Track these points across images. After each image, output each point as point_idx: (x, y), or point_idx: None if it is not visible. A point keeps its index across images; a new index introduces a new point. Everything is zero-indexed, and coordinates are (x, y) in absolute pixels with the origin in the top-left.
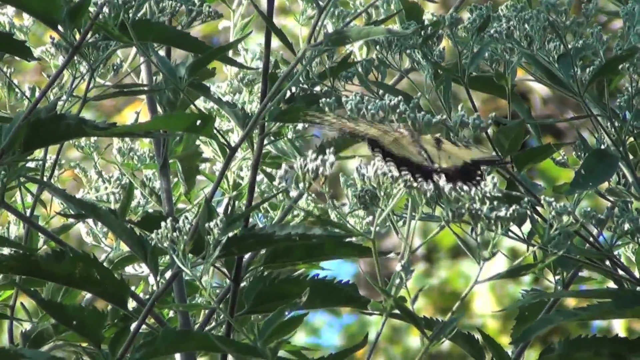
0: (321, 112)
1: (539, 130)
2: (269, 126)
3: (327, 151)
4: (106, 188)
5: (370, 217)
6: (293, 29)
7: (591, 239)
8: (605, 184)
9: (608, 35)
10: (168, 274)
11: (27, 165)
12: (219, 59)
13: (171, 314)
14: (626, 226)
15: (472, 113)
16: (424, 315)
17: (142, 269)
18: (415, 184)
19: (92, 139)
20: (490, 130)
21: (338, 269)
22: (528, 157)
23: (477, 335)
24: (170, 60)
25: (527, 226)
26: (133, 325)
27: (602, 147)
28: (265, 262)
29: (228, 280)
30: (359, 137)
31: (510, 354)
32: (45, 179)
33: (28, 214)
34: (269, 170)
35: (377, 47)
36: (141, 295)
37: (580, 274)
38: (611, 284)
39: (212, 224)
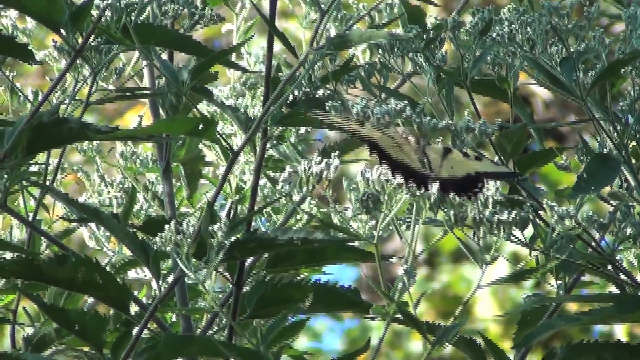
0: (326, 112)
1: (541, 134)
2: (272, 130)
3: (332, 155)
4: (109, 192)
5: (373, 222)
6: (295, 32)
7: (593, 243)
8: (608, 188)
9: (610, 38)
10: (170, 279)
11: (30, 169)
12: (221, 62)
13: (173, 318)
14: (628, 230)
15: (475, 117)
16: (426, 320)
17: (145, 273)
18: (407, 189)
19: (95, 142)
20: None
21: (340, 274)
22: (530, 161)
23: (479, 340)
24: (173, 64)
25: (529, 230)
26: (135, 330)
27: (605, 151)
28: (267, 267)
29: (230, 285)
30: (361, 138)
31: (512, 358)
32: (47, 182)
33: (30, 218)
34: (271, 174)
35: (380, 50)
36: (144, 299)
37: (582, 278)
38: (613, 289)
39: (215, 227)
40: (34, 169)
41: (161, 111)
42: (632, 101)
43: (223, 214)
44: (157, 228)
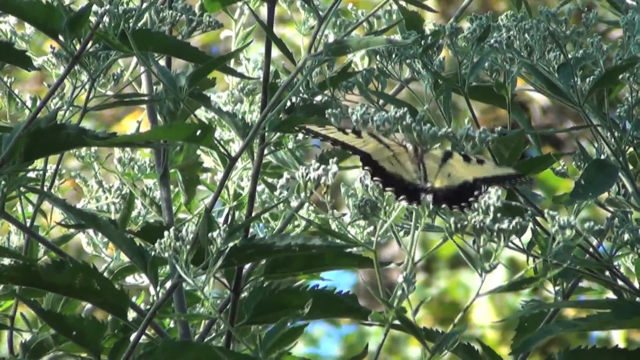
0: (319, 124)
1: (539, 140)
2: (269, 136)
3: (330, 161)
4: (106, 198)
5: (371, 227)
6: (293, 39)
7: (591, 249)
8: (605, 194)
9: (608, 44)
10: (168, 285)
11: (28, 175)
12: (219, 69)
13: (171, 324)
14: (626, 237)
15: (473, 124)
16: (424, 326)
17: (143, 279)
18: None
19: (93, 148)
20: None
21: (337, 279)
22: (528, 167)
23: (477, 346)
24: (171, 70)
25: (526, 236)
26: (133, 336)
27: (602, 157)
28: (265, 273)
29: (228, 291)
30: (353, 151)
31: None
32: (45, 188)
33: (28, 224)
34: (269, 180)
35: (378, 57)
36: (141, 305)
37: (579, 284)
38: (611, 295)
39: (214, 234)
40: (31, 175)
41: (159, 117)
42: (630, 107)
43: (221, 220)
44: (154, 234)
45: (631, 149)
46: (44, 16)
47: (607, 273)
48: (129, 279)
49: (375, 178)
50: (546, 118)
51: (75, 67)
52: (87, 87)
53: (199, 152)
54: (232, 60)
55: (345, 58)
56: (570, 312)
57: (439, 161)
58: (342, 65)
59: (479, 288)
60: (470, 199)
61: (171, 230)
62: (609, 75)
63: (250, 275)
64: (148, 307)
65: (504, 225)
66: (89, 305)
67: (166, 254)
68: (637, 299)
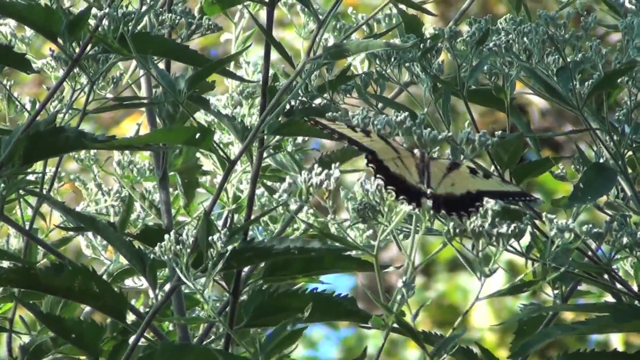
0: (329, 120)
1: (537, 144)
2: (269, 139)
3: (333, 166)
4: (106, 201)
5: (371, 231)
6: (292, 42)
7: (590, 252)
8: (604, 198)
9: (607, 48)
10: (167, 287)
11: (27, 177)
12: (218, 72)
13: (170, 327)
14: (625, 240)
15: (471, 127)
16: (423, 329)
17: (142, 282)
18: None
19: (92, 151)
20: None
21: (336, 282)
22: (527, 170)
23: (476, 349)
24: (170, 73)
25: (525, 239)
26: (132, 339)
27: (601, 160)
28: (264, 276)
29: (227, 294)
30: (360, 148)
31: None
32: (44, 191)
33: (27, 226)
34: (268, 183)
35: (377, 60)
36: (140, 308)
37: (578, 287)
38: (609, 298)
39: (215, 237)
40: (31, 177)
41: (158, 120)
42: (629, 111)
43: (220, 223)
44: (154, 237)
45: (630, 153)
46: (43, 19)
47: (606, 276)
48: (128, 282)
49: (378, 176)
50: (545, 121)
51: (75, 70)
52: (86, 90)
53: (198, 155)
54: (232, 64)
55: (344, 61)
56: (569, 316)
57: (444, 170)
58: (342, 69)
59: (479, 292)
60: (470, 209)
61: (171, 233)
62: (608, 79)
63: (250, 278)
64: (147, 309)
65: (503, 229)
66: (87, 308)
67: (166, 258)
68: (636, 302)
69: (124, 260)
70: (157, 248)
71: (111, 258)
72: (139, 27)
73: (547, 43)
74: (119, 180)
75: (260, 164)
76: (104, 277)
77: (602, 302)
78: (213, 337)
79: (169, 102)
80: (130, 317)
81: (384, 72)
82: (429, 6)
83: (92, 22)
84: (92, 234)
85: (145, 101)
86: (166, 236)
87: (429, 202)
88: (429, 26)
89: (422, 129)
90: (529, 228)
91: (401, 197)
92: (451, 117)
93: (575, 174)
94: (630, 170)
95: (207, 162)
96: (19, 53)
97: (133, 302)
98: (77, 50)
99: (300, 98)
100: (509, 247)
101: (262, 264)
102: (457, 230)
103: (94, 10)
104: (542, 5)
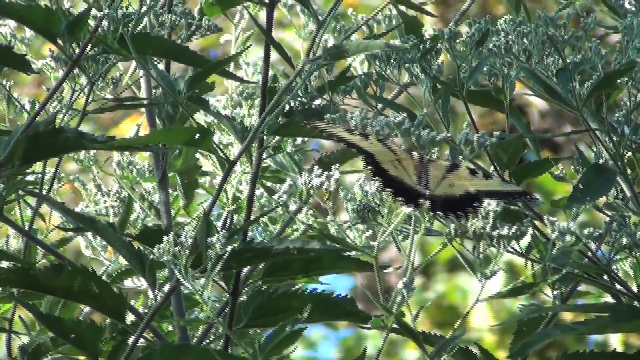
0: (327, 123)
1: (537, 145)
2: (268, 140)
3: (333, 167)
4: (105, 201)
5: (370, 232)
6: (291, 43)
7: (589, 253)
8: (603, 199)
9: (607, 49)
10: (166, 288)
11: (26, 178)
12: (218, 72)
13: (170, 327)
14: (624, 241)
15: (471, 128)
16: (422, 330)
17: (141, 282)
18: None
19: (91, 152)
20: None
21: (335, 283)
22: (527, 171)
23: (475, 350)
24: (170, 74)
25: (525, 239)
26: (131, 339)
27: (600, 161)
28: (263, 276)
29: (226, 294)
30: (358, 150)
31: None
32: (44, 192)
33: (27, 227)
34: (268, 184)
35: (376, 61)
36: (140, 309)
37: (578, 288)
38: (609, 299)
39: (214, 238)
40: (30, 178)
41: (158, 121)
42: (628, 112)
43: (219, 223)
44: (153, 237)
45: (629, 154)
46: (43, 20)
47: (606, 277)
48: (128, 282)
49: (376, 178)
50: (544, 122)
51: (74, 71)
52: (85, 90)
53: (197, 155)
54: (232, 64)
55: (344, 62)
56: (568, 316)
57: (443, 171)
58: (341, 70)
59: (479, 294)
60: (468, 209)
61: (171, 234)
62: (608, 80)
63: (249, 279)
64: (146, 310)
65: (504, 231)
66: (87, 309)
67: (165, 258)
68: (635, 303)
69: (123, 261)
70: (156, 249)
71: (110, 259)
72: (138, 28)
73: (546, 44)
74: (118, 180)
75: (259, 165)
76: (104, 277)
77: (601, 302)
78: (212, 337)
79: (168, 103)
80: (130, 318)
81: (383, 73)
82: (428, 7)
83: (91, 22)
84: (92, 235)
85: (144, 102)
86: (165, 237)
87: (427, 203)
88: (429, 27)
89: (420, 129)
90: (530, 230)
91: (399, 198)
92: (451, 118)
93: (574, 174)
94: (629, 171)
95: (207, 163)
96: (19, 54)
97: (132, 302)
98: (77, 51)
99: (299, 99)
100: (509, 248)
101: (262, 265)
102: (459, 232)
103: (93, 11)
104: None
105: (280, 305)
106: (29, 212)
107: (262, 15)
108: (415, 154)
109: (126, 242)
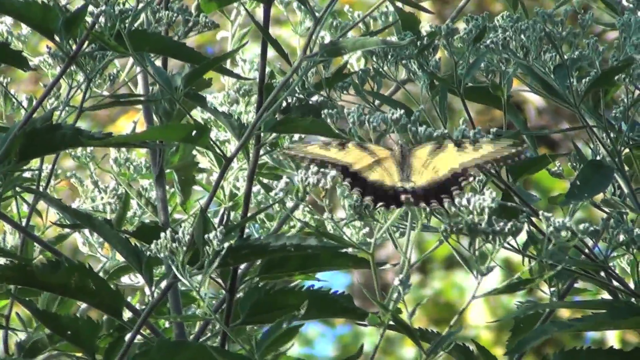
0: (298, 145)
1: (534, 141)
2: (265, 137)
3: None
4: (102, 198)
5: (367, 228)
6: (288, 39)
7: (586, 250)
8: (601, 195)
9: (604, 46)
10: (163, 284)
11: (23, 174)
12: (215, 69)
13: (167, 324)
14: (621, 237)
15: (468, 124)
16: (419, 327)
17: (138, 279)
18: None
19: (88, 148)
20: None
21: (332, 280)
22: (524, 168)
23: (472, 346)
24: (167, 71)
25: (522, 236)
26: (128, 336)
27: (598, 158)
28: (260, 273)
29: (223, 291)
30: (332, 165)
31: None
32: (41, 188)
33: (24, 223)
34: (265, 180)
35: (374, 57)
36: (137, 305)
37: (575, 285)
38: (606, 295)
39: (211, 235)
40: (27, 174)
41: (155, 118)
42: (625, 108)
43: (216, 220)
44: (150, 234)
45: (627, 150)
46: (40, 16)
47: (603, 274)
48: (125, 279)
49: (354, 189)
50: (541, 119)
51: (71, 68)
52: (83, 87)
53: (194, 152)
54: (229, 61)
55: (341, 59)
56: (565, 313)
57: (426, 156)
58: (338, 66)
59: (475, 290)
60: (453, 189)
61: (168, 231)
62: (605, 77)
63: (246, 276)
64: (143, 307)
65: (500, 227)
66: (84, 305)
67: (162, 255)
68: (632, 299)
69: (120, 258)
70: (153, 245)
71: (107, 255)
72: (135, 25)
73: (544, 40)
74: (115, 177)
75: (256, 162)
76: (101, 274)
77: (598, 299)
78: (209, 334)
79: (165, 100)
80: (127, 314)
81: (380, 69)
82: (425, 4)
83: (88, 19)
84: (89, 231)
85: (141, 98)
86: (162, 234)
87: (410, 199)
88: (426, 24)
89: (417, 126)
90: (526, 226)
91: (379, 204)
92: (448, 115)
93: (571, 171)
94: (627, 168)
95: (204, 160)
96: (16, 50)
97: (129, 299)
98: (74, 47)
99: (296, 95)
100: (505, 245)
101: (259, 262)
102: (454, 228)
103: (90, 8)
104: (539, 2)
105: (277, 302)
106: (25, 209)
107: (259, 12)
108: (395, 147)
109: (123, 239)
